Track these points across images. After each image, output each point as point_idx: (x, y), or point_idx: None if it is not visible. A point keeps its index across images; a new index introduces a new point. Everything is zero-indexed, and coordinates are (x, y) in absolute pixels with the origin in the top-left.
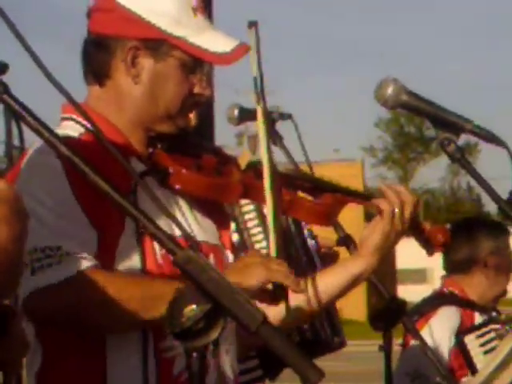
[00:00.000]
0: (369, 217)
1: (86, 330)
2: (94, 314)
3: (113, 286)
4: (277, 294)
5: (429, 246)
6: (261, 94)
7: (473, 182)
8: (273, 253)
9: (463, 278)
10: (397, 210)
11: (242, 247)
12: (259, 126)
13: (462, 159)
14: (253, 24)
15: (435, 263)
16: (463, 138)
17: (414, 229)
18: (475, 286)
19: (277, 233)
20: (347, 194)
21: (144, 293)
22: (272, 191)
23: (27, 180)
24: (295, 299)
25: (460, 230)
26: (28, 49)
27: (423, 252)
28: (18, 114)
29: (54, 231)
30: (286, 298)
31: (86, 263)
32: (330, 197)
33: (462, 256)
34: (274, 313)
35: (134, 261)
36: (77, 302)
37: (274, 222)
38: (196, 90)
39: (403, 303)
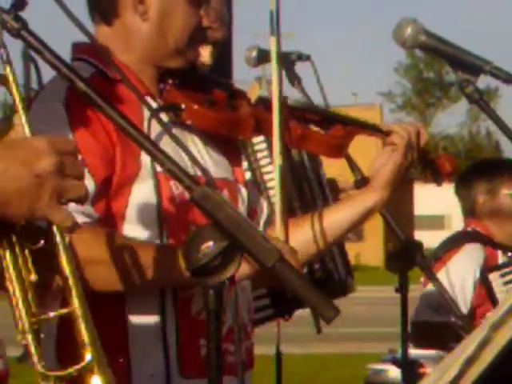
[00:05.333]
0: None
1: None
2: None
3: (100, 247)
4: None
5: (437, 175)
6: (275, 25)
7: (492, 128)
8: (276, 187)
9: (478, 220)
10: (408, 142)
11: (255, 185)
12: (271, 53)
13: (480, 101)
14: None
15: (453, 210)
16: (484, 83)
17: (421, 159)
18: (491, 228)
19: (282, 169)
20: (357, 126)
21: (134, 259)
22: (280, 124)
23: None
24: (301, 235)
25: (468, 175)
26: None
27: (441, 199)
28: (37, 49)
29: None
30: None
31: (80, 219)
32: (341, 129)
33: (467, 201)
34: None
35: (151, 200)
36: None
37: (281, 155)
38: (204, 22)
39: (419, 245)
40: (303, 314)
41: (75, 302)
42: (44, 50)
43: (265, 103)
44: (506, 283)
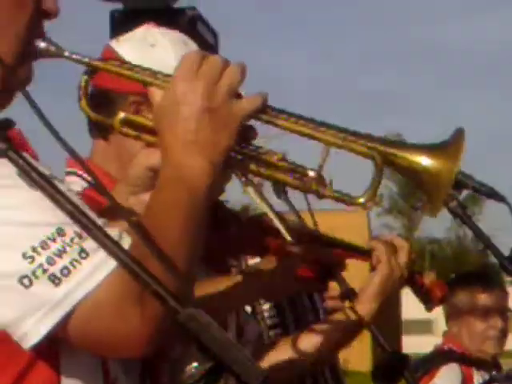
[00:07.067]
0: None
1: None
2: None
3: None
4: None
5: (428, 301)
6: None
7: None
8: None
9: (452, 332)
10: (393, 257)
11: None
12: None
13: (463, 215)
14: None
15: (441, 314)
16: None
17: (411, 282)
18: (465, 343)
19: None
20: (346, 249)
21: None
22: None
23: None
24: (293, 352)
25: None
26: (33, 105)
27: None
28: (23, 169)
29: None
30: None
31: None
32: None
33: (445, 310)
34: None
35: None
36: None
37: None
38: None
39: (406, 358)
40: None
41: None
42: (30, 171)
43: (256, 223)
44: None
